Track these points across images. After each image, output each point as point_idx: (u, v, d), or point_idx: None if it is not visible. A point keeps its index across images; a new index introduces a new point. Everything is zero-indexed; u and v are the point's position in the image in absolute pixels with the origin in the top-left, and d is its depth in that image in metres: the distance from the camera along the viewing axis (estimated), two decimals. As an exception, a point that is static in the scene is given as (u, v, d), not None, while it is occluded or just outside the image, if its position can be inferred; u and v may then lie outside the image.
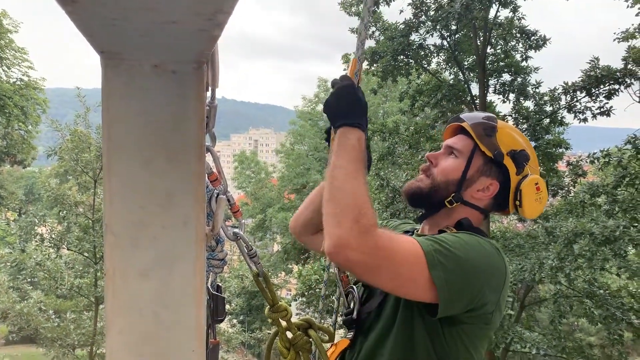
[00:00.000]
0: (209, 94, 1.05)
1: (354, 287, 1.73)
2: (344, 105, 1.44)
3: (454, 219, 1.62)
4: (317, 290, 14.60)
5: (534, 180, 1.63)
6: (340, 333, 1.73)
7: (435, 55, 12.94)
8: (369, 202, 1.31)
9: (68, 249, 14.25)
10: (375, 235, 1.26)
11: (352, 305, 1.70)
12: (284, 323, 1.49)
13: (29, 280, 14.45)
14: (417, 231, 1.74)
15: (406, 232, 1.73)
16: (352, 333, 1.65)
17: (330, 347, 1.63)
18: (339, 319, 1.80)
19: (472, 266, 1.38)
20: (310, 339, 1.53)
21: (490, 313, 1.45)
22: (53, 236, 14.00)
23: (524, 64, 12.11)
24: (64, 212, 13.81)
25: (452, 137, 1.74)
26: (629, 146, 9.91)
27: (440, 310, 1.35)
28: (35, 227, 14.35)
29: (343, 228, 1.25)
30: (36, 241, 14.12)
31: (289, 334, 1.51)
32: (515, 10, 11.64)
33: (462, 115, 1.74)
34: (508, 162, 1.62)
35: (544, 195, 1.66)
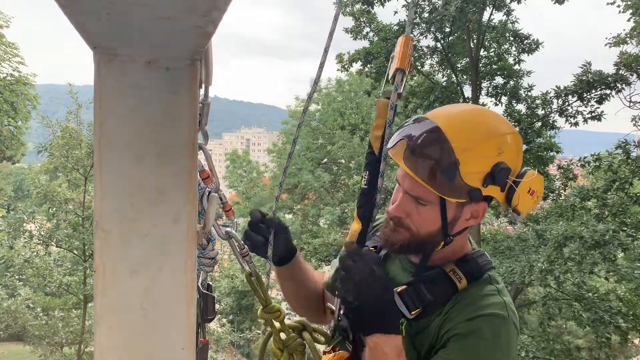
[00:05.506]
0: (202, 91, 1.04)
1: None
2: (372, 305, 1.24)
3: (454, 252, 1.49)
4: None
5: (526, 188, 1.37)
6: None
7: (428, 57, 12.99)
8: None
9: (57, 246, 14.14)
10: None
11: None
12: (277, 324, 1.47)
13: (17, 277, 14.33)
14: None
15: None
16: (350, 345, 1.48)
17: (328, 352, 1.51)
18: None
19: None
20: (304, 341, 1.50)
21: None
22: (42, 233, 13.88)
23: (516, 67, 12.20)
24: (54, 209, 13.72)
25: (408, 176, 1.38)
26: (619, 151, 10.00)
27: None
28: (24, 224, 14.24)
29: None
30: (25, 238, 14.00)
31: (283, 336, 1.49)
32: (508, 13, 11.72)
33: (399, 142, 1.37)
34: (489, 190, 1.35)
35: (540, 193, 1.45)
